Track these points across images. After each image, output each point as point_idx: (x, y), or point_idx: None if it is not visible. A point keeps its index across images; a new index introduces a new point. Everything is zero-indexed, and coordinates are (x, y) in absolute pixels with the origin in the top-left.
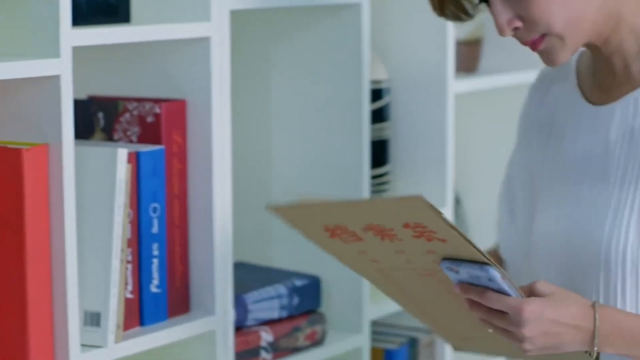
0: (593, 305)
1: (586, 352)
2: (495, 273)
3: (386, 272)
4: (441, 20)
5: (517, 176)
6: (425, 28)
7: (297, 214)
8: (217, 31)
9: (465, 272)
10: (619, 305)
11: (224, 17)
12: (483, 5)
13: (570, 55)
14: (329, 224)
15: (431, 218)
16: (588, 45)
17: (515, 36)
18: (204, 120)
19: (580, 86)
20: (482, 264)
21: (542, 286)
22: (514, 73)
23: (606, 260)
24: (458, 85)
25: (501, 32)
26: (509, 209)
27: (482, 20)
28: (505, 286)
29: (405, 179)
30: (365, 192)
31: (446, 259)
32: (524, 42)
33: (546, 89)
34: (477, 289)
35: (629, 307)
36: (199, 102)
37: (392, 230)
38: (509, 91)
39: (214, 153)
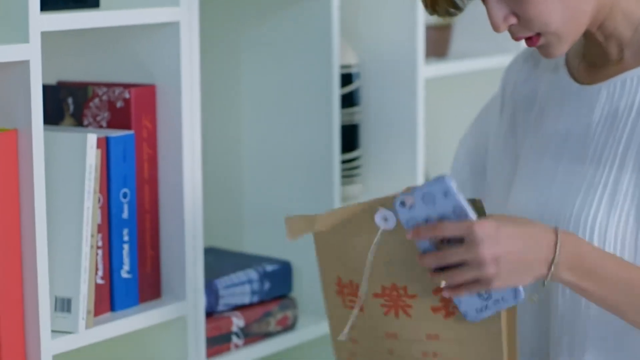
0: (555, 229)
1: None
2: (450, 182)
3: None
4: (411, 4)
5: (500, 150)
6: (395, 12)
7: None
8: (186, 16)
9: (420, 199)
10: None
11: (192, 1)
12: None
13: (568, 48)
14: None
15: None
16: (584, 34)
17: (510, 31)
18: (173, 106)
19: (568, 64)
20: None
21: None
22: (484, 58)
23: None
24: (428, 70)
25: (496, 29)
26: (475, 178)
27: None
28: (461, 200)
29: (375, 164)
30: (336, 176)
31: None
32: (516, 38)
33: (536, 62)
34: (429, 225)
35: None
36: (168, 87)
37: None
38: (479, 76)
39: (183, 138)
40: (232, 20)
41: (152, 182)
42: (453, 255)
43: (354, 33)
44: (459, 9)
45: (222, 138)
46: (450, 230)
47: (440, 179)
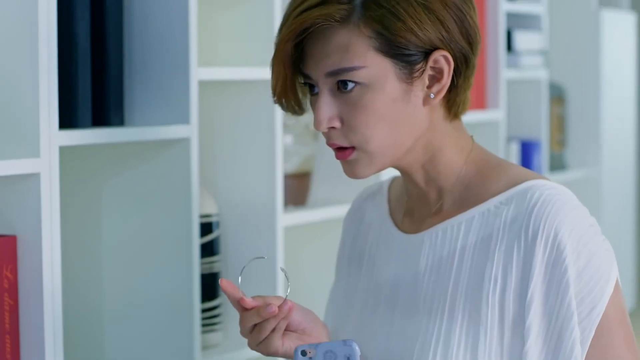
0: None
1: None
2: (357, 349)
3: None
4: (269, 153)
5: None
6: (254, 162)
7: None
8: (46, 167)
9: (322, 354)
10: None
11: (53, 153)
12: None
13: (374, 172)
14: None
15: None
16: (404, 173)
17: (328, 135)
18: (34, 256)
19: (392, 214)
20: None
21: None
22: (342, 205)
23: None
24: (287, 219)
25: (317, 126)
26: None
27: (312, 153)
28: None
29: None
30: (196, 325)
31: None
32: (331, 144)
33: (359, 220)
34: None
35: None
36: (29, 237)
37: None
38: (339, 223)
39: (44, 288)
40: (93, 171)
41: (14, 333)
42: None
43: (214, 182)
44: (302, 109)
45: (83, 287)
46: None
47: (349, 342)
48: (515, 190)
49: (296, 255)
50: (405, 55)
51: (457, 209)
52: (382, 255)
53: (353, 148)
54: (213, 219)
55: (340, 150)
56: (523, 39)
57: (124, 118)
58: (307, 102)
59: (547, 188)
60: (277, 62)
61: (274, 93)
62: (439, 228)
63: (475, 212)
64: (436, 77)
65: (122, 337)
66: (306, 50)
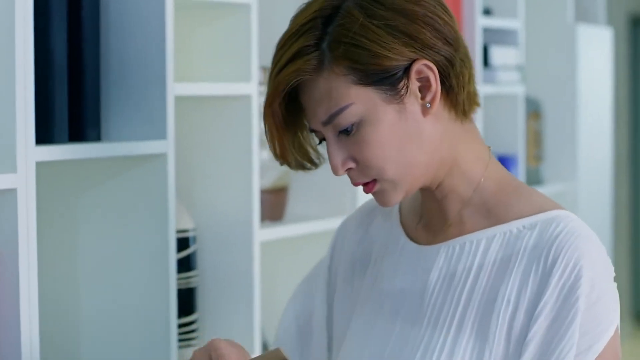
0: None
1: None
2: None
3: None
4: (246, 168)
5: (341, 312)
6: (231, 177)
7: None
8: (23, 183)
9: None
10: None
11: (30, 168)
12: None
13: (404, 197)
14: None
15: None
16: (424, 189)
17: (348, 176)
18: (11, 271)
19: (403, 223)
20: None
21: None
22: (319, 220)
23: None
24: (263, 234)
25: (335, 172)
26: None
27: (289, 168)
28: None
29: (212, 327)
30: (173, 341)
31: None
32: (355, 183)
33: (368, 224)
34: None
35: None
36: (6, 253)
37: None
38: (316, 238)
39: (21, 303)
40: (70, 186)
41: None
42: None
43: (191, 198)
44: (313, 163)
45: (60, 302)
46: None
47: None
48: (540, 217)
49: (272, 270)
50: (384, 79)
51: (475, 225)
52: (390, 264)
53: (375, 180)
54: (190, 234)
55: (365, 186)
56: (499, 54)
57: (101, 133)
58: (315, 156)
59: (572, 220)
60: (268, 125)
61: (276, 156)
62: (457, 242)
63: (496, 230)
64: (426, 86)
65: (99, 352)
66: (301, 102)
